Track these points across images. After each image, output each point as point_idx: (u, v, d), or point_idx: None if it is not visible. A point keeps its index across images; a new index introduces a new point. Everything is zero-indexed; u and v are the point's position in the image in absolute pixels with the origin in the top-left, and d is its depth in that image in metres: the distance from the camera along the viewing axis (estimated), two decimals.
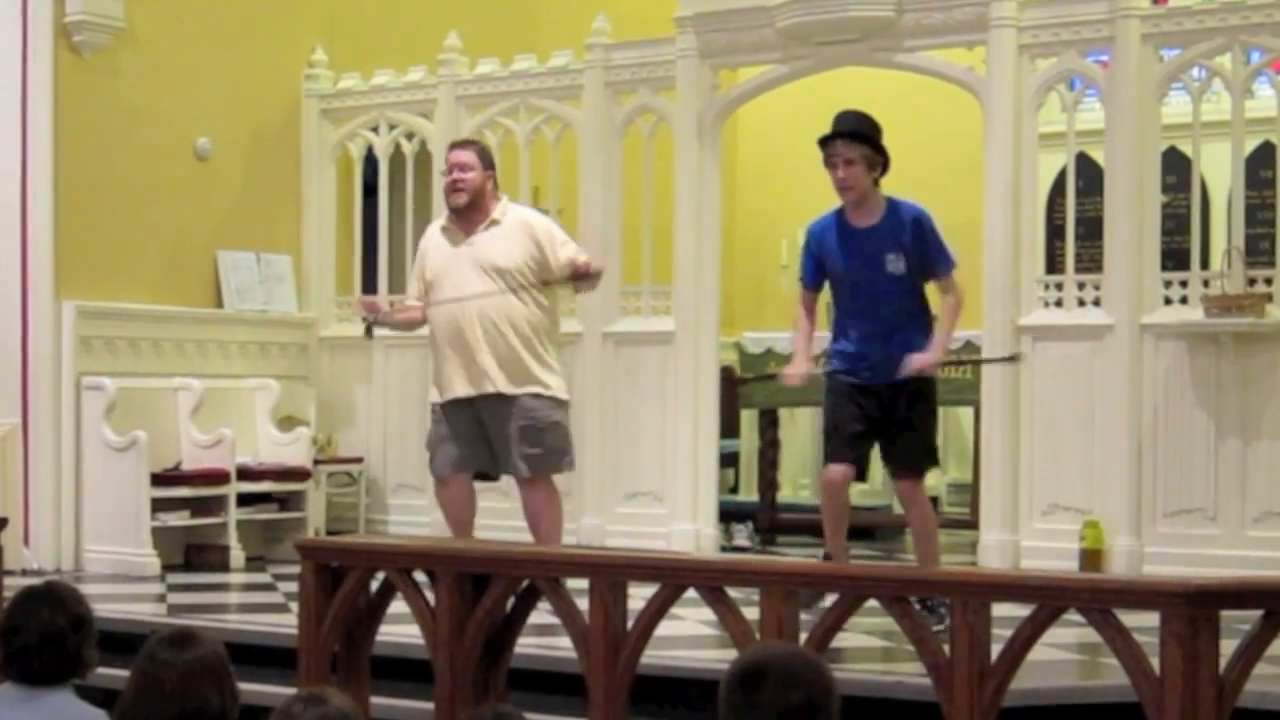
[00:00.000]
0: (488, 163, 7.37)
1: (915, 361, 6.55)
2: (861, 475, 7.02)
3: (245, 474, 9.10)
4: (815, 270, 6.86)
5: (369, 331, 7.57)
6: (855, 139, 6.61)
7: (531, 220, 7.34)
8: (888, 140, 6.77)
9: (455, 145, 7.55)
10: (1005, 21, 8.12)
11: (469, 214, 7.25)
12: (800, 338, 6.94)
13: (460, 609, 5.03)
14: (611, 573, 4.85)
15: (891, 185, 6.84)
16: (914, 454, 6.75)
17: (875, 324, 6.67)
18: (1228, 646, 4.18)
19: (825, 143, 6.68)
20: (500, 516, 8.34)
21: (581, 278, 7.21)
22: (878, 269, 6.63)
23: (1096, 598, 4.25)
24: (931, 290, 6.82)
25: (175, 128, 9.49)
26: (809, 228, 6.91)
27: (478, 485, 7.44)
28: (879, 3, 8.35)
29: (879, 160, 6.63)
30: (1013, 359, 7.59)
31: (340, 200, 10.23)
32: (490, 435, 7.17)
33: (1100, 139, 8.27)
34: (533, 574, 5.03)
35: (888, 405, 6.67)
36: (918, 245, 6.63)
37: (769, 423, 10.15)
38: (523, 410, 7.10)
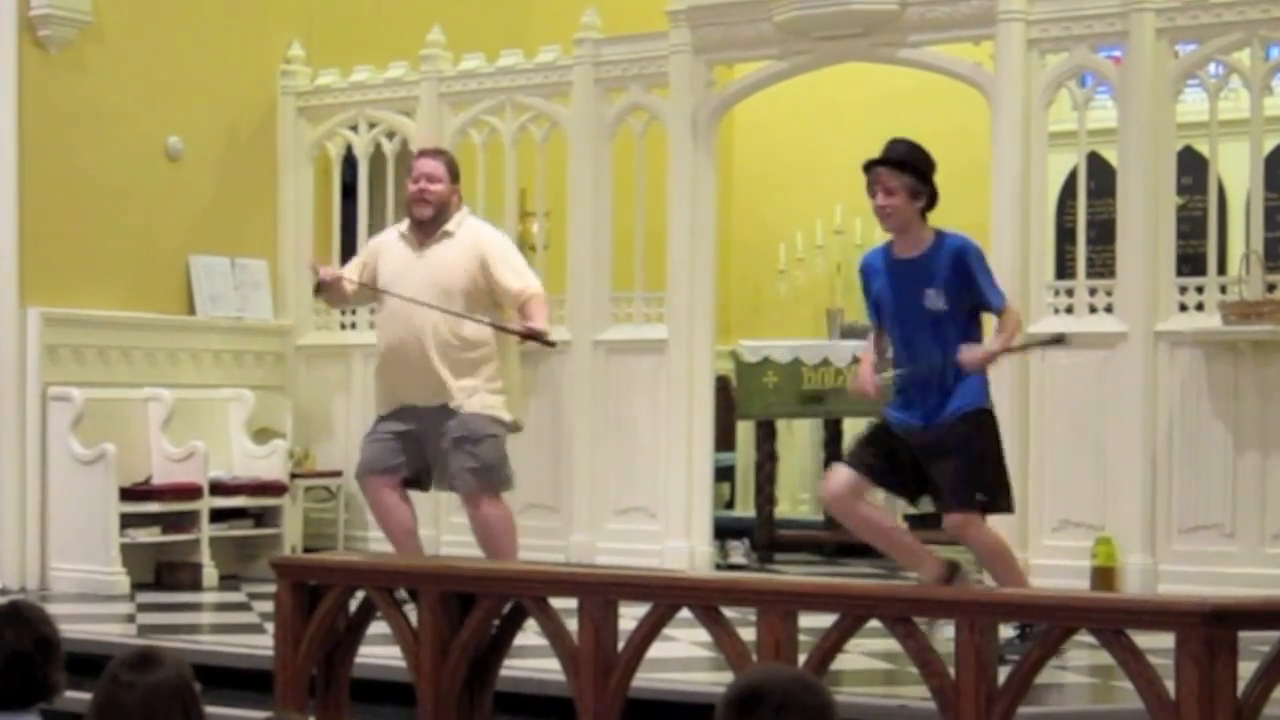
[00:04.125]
0: (455, 175, 7.67)
1: (966, 354, 6.48)
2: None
3: (218, 488, 9.10)
4: (874, 306, 6.81)
5: (318, 290, 8.07)
6: (898, 167, 6.60)
7: (485, 239, 7.59)
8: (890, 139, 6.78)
9: (424, 154, 7.85)
10: (1014, 15, 8.13)
11: (429, 224, 7.55)
12: (867, 351, 6.90)
13: (444, 629, 5.04)
14: (602, 592, 4.86)
15: None
16: (953, 483, 6.52)
17: (917, 363, 6.59)
18: (1246, 669, 4.19)
19: (869, 168, 6.67)
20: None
21: (532, 337, 7.38)
22: (916, 303, 6.57)
23: (1109, 618, 4.26)
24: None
25: (145, 127, 9.48)
26: (862, 259, 6.91)
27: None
28: None
29: (924, 191, 6.60)
30: (1060, 340, 7.35)
31: (318, 202, 10.23)
32: (425, 447, 7.47)
33: (1113, 138, 8.27)
34: (520, 593, 5.04)
35: (924, 445, 6.60)
36: (960, 279, 6.53)
37: (766, 435, 10.13)
38: (459, 424, 7.38)
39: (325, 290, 7.88)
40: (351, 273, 7.81)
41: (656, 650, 4.91)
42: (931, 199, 6.63)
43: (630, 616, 4.85)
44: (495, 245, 7.57)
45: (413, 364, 7.40)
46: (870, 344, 6.90)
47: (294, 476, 9.53)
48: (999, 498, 6.56)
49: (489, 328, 7.40)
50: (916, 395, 6.57)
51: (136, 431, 9.09)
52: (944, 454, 6.48)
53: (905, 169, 6.58)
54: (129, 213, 9.38)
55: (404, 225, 7.70)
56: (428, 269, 7.46)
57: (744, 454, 11.14)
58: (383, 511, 7.55)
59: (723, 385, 9.88)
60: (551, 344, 7.65)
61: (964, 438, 6.47)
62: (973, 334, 6.61)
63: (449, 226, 7.52)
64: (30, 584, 8.75)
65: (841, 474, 6.67)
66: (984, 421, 6.54)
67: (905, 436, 6.58)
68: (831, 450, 10.33)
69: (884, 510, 7.28)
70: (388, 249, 7.69)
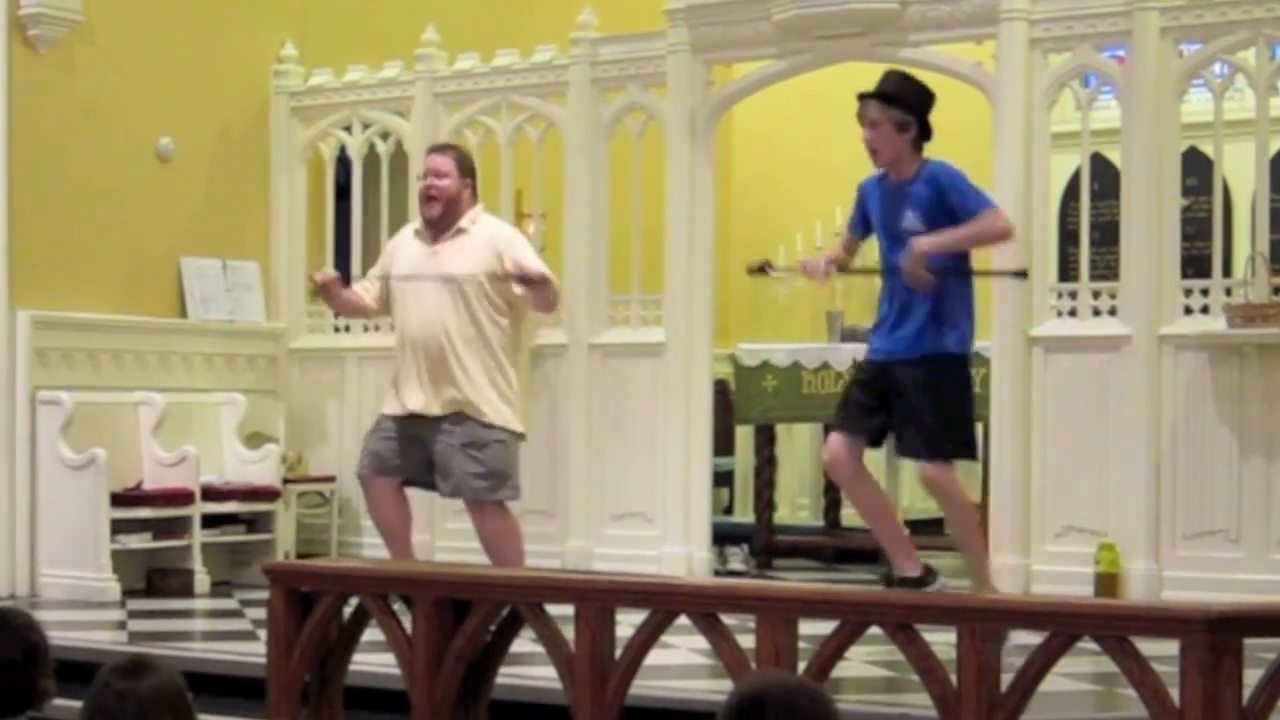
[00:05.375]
0: (466, 170, 7.60)
1: (914, 247, 6.46)
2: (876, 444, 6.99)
3: (210, 494, 9.09)
4: (860, 219, 6.86)
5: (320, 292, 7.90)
6: (885, 100, 6.64)
7: (500, 233, 7.55)
8: None
9: (434, 150, 7.81)
10: (1016, 14, 8.13)
11: (440, 221, 7.49)
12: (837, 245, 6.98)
13: (438, 637, 5.04)
14: (599, 598, 4.86)
15: None
16: (921, 437, 6.53)
17: (891, 288, 6.66)
18: (1251, 676, 4.19)
19: (861, 100, 6.73)
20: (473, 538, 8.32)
21: (525, 281, 7.29)
22: (899, 224, 6.64)
23: (1112, 625, 4.26)
24: None
25: (136, 127, 9.48)
26: (863, 181, 6.93)
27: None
28: None
29: (912, 123, 6.63)
30: (1021, 274, 7.34)
31: (311, 204, 10.23)
32: (430, 449, 7.37)
33: (1116, 139, 8.28)
34: (515, 599, 5.04)
35: (895, 382, 6.64)
36: (938, 200, 6.59)
37: (765, 440, 10.15)
38: (467, 429, 7.31)
39: (327, 297, 7.84)
40: (372, 281, 7.75)
41: (654, 657, 4.91)
42: (923, 131, 6.67)
43: (627, 623, 4.85)
44: (513, 238, 7.55)
45: (426, 365, 7.35)
46: (841, 243, 6.99)
47: (287, 481, 9.53)
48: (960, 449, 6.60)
49: (502, 335, 7.37)
50: (889, 319, 6.64)
51: (127, 436, 9.08)
52: (908, 399, 6.53)
53: (892, 102, 6.64)
54: (119, 214, 9.37)
55: (418, 222, 7.65)
56: (441, 266, 7.40)
57: (743, 459, 11.14)
58: (378, 512, 7.54)
59: (721, 389, 9.88)
60: (540, 282, 7.32)
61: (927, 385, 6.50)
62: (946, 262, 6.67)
63: (463, 223, 7.47)
64: (20, 590, 8.74)
65: (837, 439, 6.69)
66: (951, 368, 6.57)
67: (880, 369, 6.65)
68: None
69: (884, 493, 7.25)
70: (402, 247, 7.66)
